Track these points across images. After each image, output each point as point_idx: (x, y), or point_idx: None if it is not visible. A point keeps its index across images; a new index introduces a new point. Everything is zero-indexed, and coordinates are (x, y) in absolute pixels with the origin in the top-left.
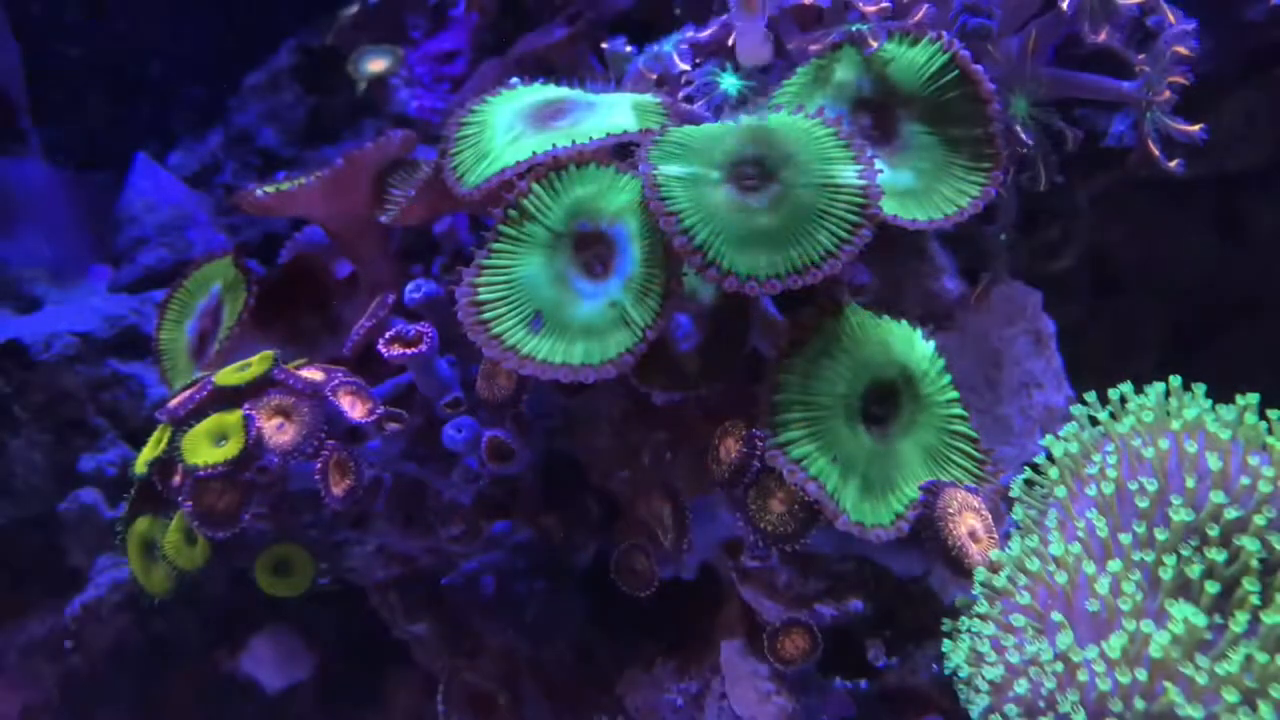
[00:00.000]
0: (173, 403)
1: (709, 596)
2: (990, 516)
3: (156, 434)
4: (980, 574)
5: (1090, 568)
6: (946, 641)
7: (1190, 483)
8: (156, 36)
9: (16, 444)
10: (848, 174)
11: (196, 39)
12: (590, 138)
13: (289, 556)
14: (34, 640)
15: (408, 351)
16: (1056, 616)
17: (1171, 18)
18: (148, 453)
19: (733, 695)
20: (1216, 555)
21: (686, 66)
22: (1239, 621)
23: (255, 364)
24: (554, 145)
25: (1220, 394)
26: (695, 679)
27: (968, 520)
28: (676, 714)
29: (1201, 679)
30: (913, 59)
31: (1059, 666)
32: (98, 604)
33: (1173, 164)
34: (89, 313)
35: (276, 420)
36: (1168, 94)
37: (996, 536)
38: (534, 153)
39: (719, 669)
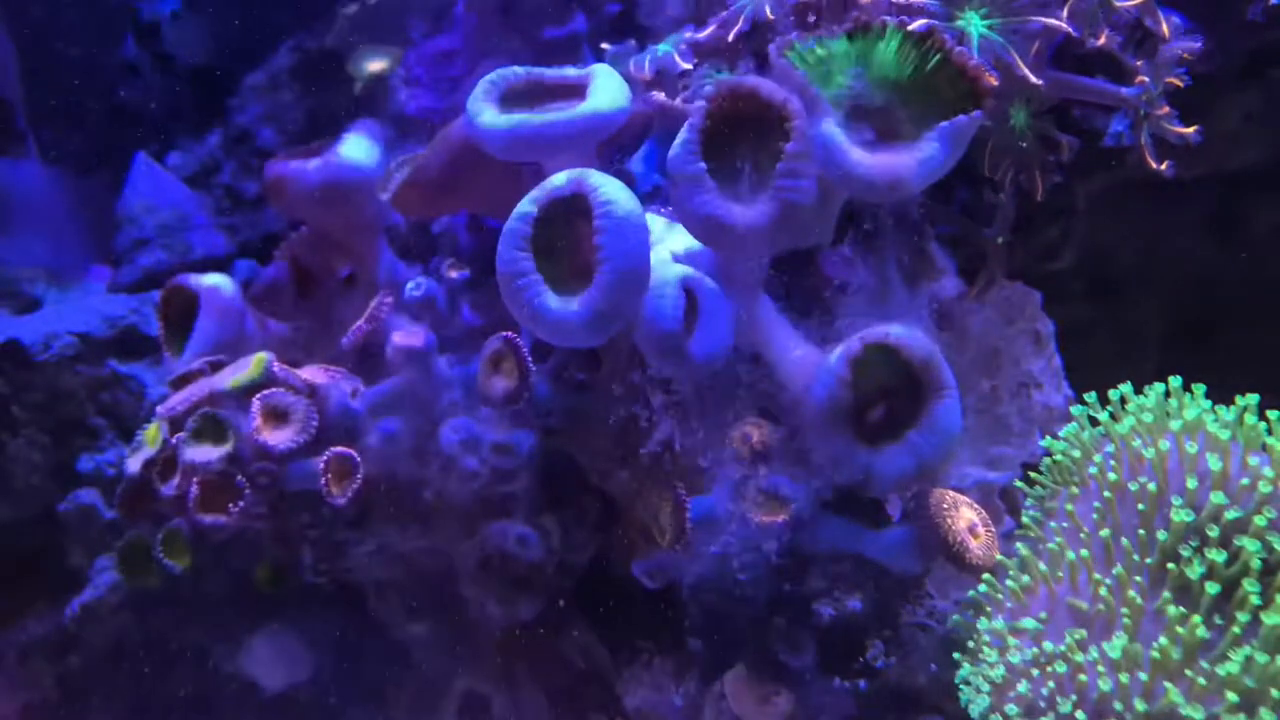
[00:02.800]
0: (170, 401)
1: None
2: (984, 510)
3: (152, 431)
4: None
5: (1091, 569)
6: (951, 641)
7: (1190, 483)
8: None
9: (16, 444)
10: None
11: (197, 39)
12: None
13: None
14: (34, 640)
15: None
16: (1060, 618)
17: (1165, 29)
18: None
19: (732, 695)
20: (1217, 556)
21: (688, 65)
22: (1239, 622)
23: (253, 365)
24: None
25: (1220, 394)
26: (694, 679)
27: (964, 515)
28: (676, 714)
29: (1202, 680)
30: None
31: (1060, 667)
32: (97, 604)
33: (1163, 166)
34: (88, 313)
35: (273, 419)
36: (1166, 109)
37: (994, 530)
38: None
39: None
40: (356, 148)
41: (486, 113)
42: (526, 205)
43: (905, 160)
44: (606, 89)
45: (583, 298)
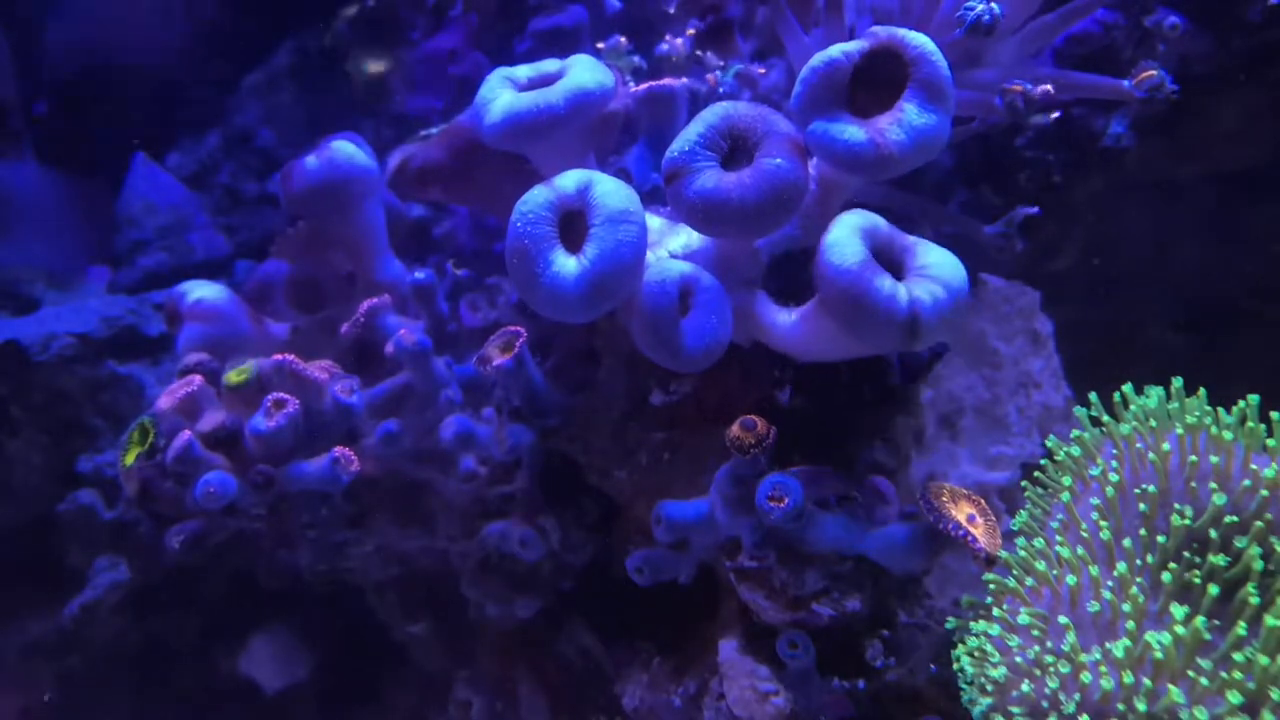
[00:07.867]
0: (166, 400)
1: (707, 597)
2: (983, 500)
3: (144, 428)
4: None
5: (1094, 569)
6: (950, 641)
7: (1192, 485)
8: (156, 36)
9: (15, 445)
10: None
11: (196, 39)
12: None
13: None
14: (33, 640)
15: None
16: (1062, 618)
17: None
18: (136, 449)
19: (731, 695)
20: (1218, 558)
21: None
22: (1240, 624)
23: (246, 367)
24: None
25: (1221, 395)
26: (693, 679)
27: (964, 508)
28: (675, 714)
29: (1204, 680)
30: None
31: (1064, 667)
32: (96, 604)
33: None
34: (87, 313)
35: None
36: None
37: (994, 519)
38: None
39: (717, 669)
40: (351, 146)
41: (492, 103)
42: (544, 201)
43: (887, 125)
44: (584, 68)
45: (578, 259)
